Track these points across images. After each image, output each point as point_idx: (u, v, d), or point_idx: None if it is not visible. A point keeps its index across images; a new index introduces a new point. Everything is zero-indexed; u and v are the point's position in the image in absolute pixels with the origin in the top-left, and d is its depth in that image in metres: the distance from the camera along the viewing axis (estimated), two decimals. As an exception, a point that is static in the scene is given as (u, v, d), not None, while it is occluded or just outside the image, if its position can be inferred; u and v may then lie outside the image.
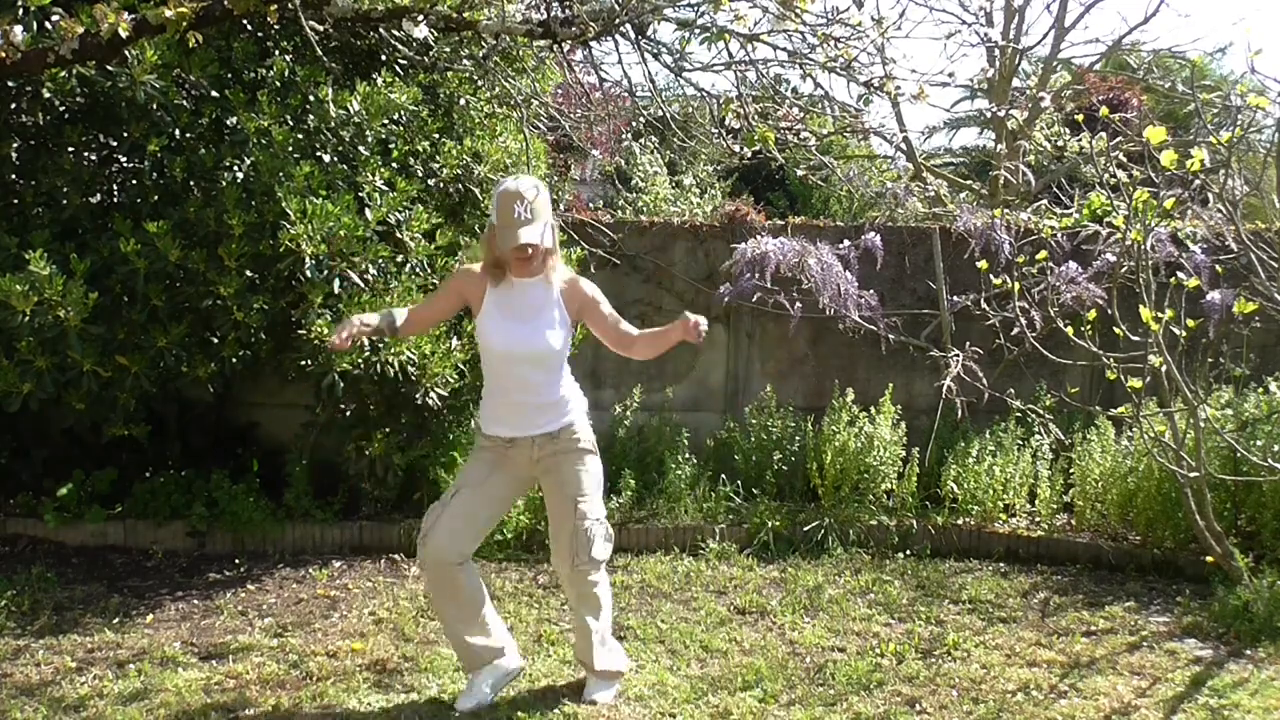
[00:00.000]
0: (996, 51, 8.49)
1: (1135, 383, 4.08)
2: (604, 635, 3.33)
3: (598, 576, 3.23)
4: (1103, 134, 4.81)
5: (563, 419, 3.19)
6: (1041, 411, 5.51)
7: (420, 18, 3.94)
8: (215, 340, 4.32)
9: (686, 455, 5.37)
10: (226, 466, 4.91)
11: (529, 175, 3.59)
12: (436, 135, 4.80)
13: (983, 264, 5.02)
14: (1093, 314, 4.57)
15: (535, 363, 3.12)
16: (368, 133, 4.36)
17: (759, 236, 5.64)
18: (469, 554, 3.21)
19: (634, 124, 8.51)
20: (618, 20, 4.17)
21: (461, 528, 3.15)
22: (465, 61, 5.12)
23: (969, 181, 9.37)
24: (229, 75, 4.36)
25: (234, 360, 4.34)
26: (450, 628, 3.26)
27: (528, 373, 3.13)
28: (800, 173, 7.05)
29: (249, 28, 4.51)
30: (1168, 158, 3.52)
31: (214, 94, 4.28)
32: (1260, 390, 5.12)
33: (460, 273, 3.27)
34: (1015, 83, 9.12)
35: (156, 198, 4.26)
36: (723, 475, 5.38)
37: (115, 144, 4.41)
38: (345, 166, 4.29)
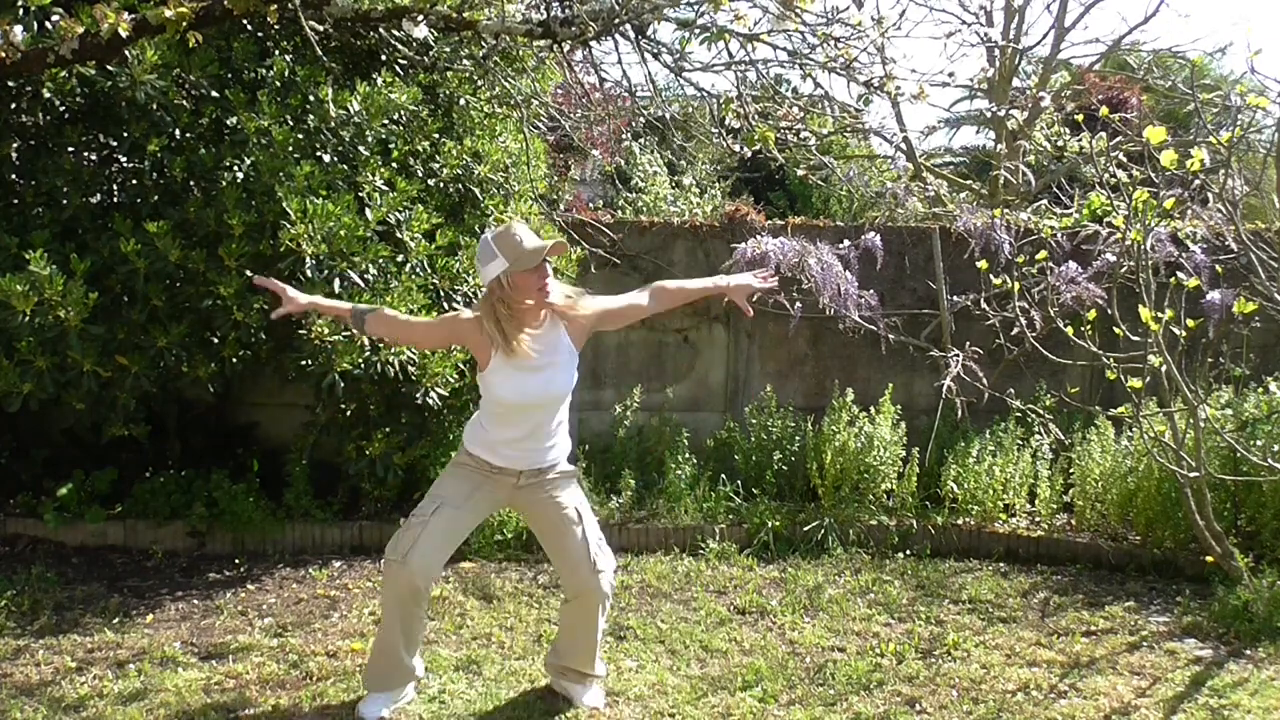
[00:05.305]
0: (996, 51, 8.49)
1: (1135, 383, 4.08)
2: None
3: (609, 581, 3.21)
4: (1103, 134, 4.82)
5: (551, 454, 3.15)
6: (1041, 411, 5.51)
7: (420, 18, 3.94)
8: (215, 340, 4.32)
9: (686, 455, 5.36)
10: (226, 466, 4.90)
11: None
12: (436, 135, 4.80)
13: (983, 264, 5.03)
14: (1093, 314, 4.57)
15: (548, 408, 3.11)
16: (368, 133, 4.36)
17: (759, 236, 5.64)
18: (440, 574, 3.13)
19: (634, 124, 8.51)
20: (618, 20, 4.17)
21: (442, 546, 3.06)
22: (465, 61, 5.12)
23: (969, 181, 9.36)
24: (229, 75, 4.36)
25: (234, 360, 4.34)
26: (391, 644, 3.12)
27: (539, 417, 3.11)
28: (800, 173, 7.05)
29: (249, 28, 4.51)
30: (1168, 158, 3.52)
31: (214, 94, 4.28)
32: (1260, 390, 5.12)
33: (457, 321, 3.11)
34: (1015, 83, 9.12)
35: (156, 198, 4.27)
36: (723, 475, 5.38)
37: (115, 144, 4.41)
38: (345, 166, 4.29)
